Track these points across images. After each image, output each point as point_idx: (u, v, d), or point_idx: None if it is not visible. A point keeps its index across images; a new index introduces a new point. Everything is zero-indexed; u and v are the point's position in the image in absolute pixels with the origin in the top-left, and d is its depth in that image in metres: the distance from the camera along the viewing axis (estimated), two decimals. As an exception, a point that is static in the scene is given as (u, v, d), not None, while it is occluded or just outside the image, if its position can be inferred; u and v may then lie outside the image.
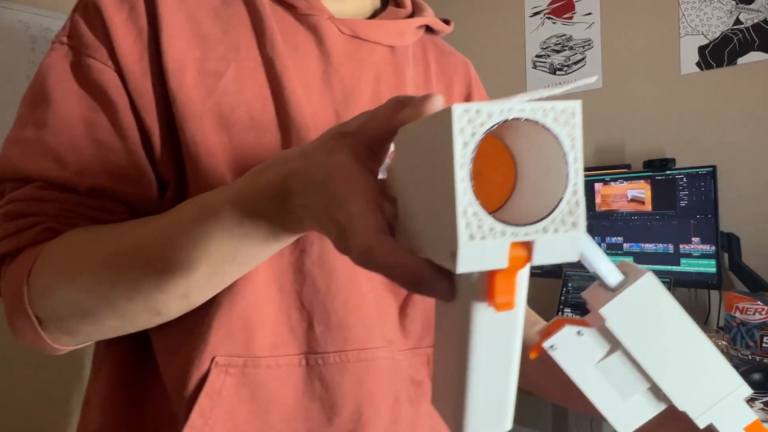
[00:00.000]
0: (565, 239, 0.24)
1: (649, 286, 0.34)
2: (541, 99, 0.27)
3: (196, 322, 0.47)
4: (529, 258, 0.24)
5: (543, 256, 0.24)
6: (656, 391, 0.36)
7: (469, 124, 0.23)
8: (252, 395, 0.47)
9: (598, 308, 0.34)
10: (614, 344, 0.35)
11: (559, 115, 0.24)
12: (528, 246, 0.24)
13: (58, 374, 1.52)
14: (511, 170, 0.27)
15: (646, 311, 0.34)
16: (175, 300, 0.41)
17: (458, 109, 0.22)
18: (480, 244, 0.23)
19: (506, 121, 0.23)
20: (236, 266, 0.40)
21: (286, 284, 0.48)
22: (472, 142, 0.23)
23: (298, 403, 0.48)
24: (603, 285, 0.36)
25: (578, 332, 0.36)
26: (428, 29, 0.65)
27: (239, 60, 0.49)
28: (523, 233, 0.23)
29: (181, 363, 0.47)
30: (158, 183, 0.48)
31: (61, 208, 0.45)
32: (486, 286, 0.25)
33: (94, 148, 0.45)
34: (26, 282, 0.43)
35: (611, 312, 0.34)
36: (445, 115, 0.23)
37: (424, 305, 0.56)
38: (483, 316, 0.27)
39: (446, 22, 0.66)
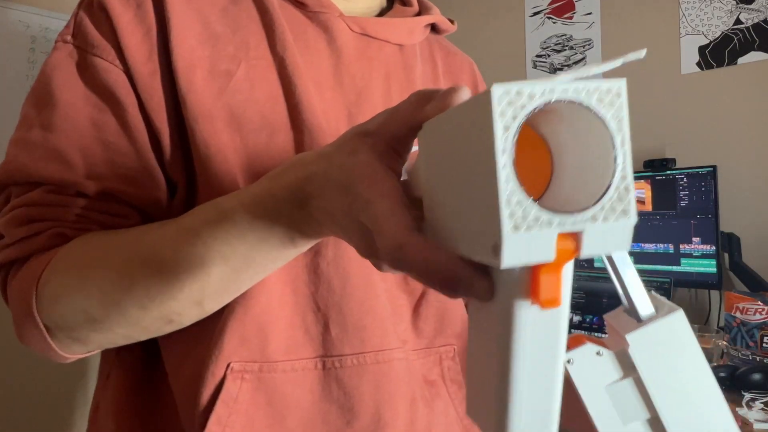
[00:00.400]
0: (615, 228, 0.23)
1: (679, 323, 0.33)
2: (586, 77, 0.25)
3: (207, 327, 0.46)
4: (577, 250, 0.23)
5: (592, 247, 0.23)
6: (656, 424, 0.35)
7: (510, 106, 0.21)
8: (268, 401, 0.46)
9: (623, 333, 0.34)
10: (629, 370, 0.35)
11: (604, 96, 0.22)
12: (576, 237, 0.22)
13: (60, 378, 1.52)
14: (547, 159, 0.25)
15: (670, 347, 0.34)
16: (189, 308, 0.41)
17: (498, 90, 0.21)
18: (525, 235, 0.21)
19: (549, 103, 0.22)
20: (251, 272, 0.39)
21: (301, 286, 0.47)
22: (514, 126, 0.21)
23: (316, 407, 0.47)
24: (630, 312, 0.35)
25: (598, 352, 0.35)
26: (432, 28, 0.65)
27: (249, 59, 0.48)
28: (570, 222, 0.22)
29: (192, 370, 0.46)
30: (168, 185, 0.47)
31: (71, 213, 0.44)
32: (529, 282, 0.24)
33: (102, 150, 0.44)
34: (35, 289, 0.42)
35: (637, 340, 0.34)
36: (484, 98, 0.21)
37: (436, 304, 0.56)
38: (526, 315, 0.25)
39: (451, 21, 0.66)
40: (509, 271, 0.24)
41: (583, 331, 1.70)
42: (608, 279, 0.39)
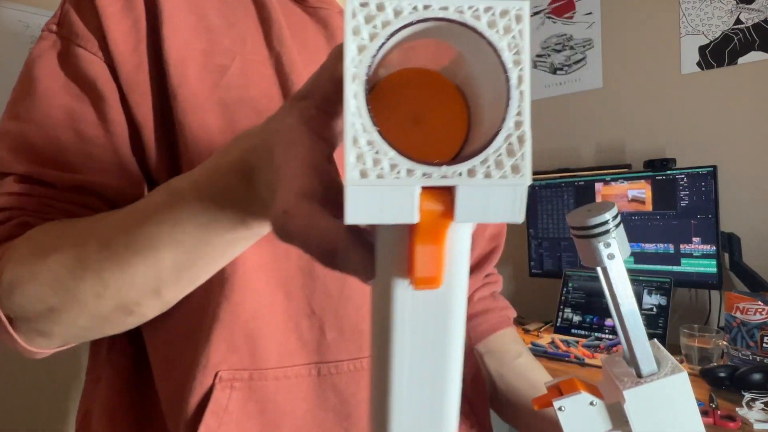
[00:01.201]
0: (500, 190, 0.18)
1: (681, 386, 0.32)
2: None
3: (191, 330, 0.44)
4: (449, 213, 0.18)
5: (469, 212, 0.18)
6: None
7: (368, 23, 0.17)
8: (261, 409, 0.44)
9: (621, 387, 0.33)
10: (622, 424, 0.35)
11: (497, 19, 0.18)
12: (450, 197, 0.18)
13: (54, 379, 1.52)
14: (464, 117, 0.20)
15: (667, 408, 0.33)
16: (147, 297, 0.38)
17: (354, 2, 0.17)
18: (376, 185, 0.17)
19: (424, 22, 0.17)
20: (208, 258, 0.36)
21: (295, 290, 0.46)
22: (371, 47, 0.17)
23: (311, 415, 0.46)
24: (630, 363, 0.35)
25: (591, 402, 0.35)
26: None
27: (245, 53, 0.47)
28: (438, 175, 0.18)
29: (178, 377, 0.44)
30: (149, 180, 0.46)
31: (39, 203, 0.43)
32: (405, 256, 0.19)
33: (76, 141, 0.43)
34: None
35: (634, 397, 0.33)
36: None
37: None
38: (403, 297, 0.21)
39: None
40: (387, 242, 0.20)
41: (583, 331, 1.70)
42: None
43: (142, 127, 0.44)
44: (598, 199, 1.78)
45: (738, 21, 1.64)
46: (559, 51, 2.05)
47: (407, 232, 0.19)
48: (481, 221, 0.18)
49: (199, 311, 0.45)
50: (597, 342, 1.59)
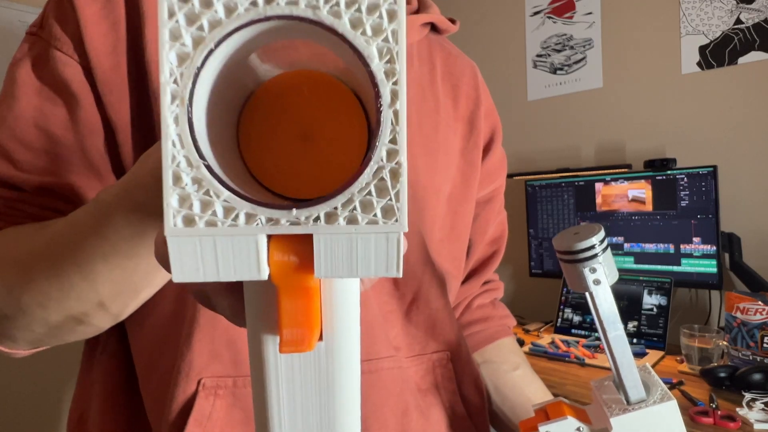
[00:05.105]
0: (370, 239, 0.14)
1: (669, 414, 0.32)
2: None
3: (169, 336, 0.44)
4: (308, 266, 0.14)
5: (331, 265, 0.14)
6: None
7: (191, 24, 0.13)
8: (246, 417, 0.44)
9: (609, 413, 0.33)
10: None
11: (364, 16, 0.14)
12: (308, 245, 0.14)
13: (53, 382, 1.52)
14: (364, 129, 0.16)
15: None
16: (92, 309, 0.37)
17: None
18: (207, 235, 0.14)
19: (266, 21, 0.13)
20: (142, 272, 0.35)
21: None
22: (197, 56, 0.13)
23: None
24: (619, 388, 0.34)
25: (578, 428, 0.35)
26: (433, 28, 0.63)
27: None
28: (288, 221, 0.14)
29: (159, 382, 0.44)
30: None
31: (6, 206, 0.43)
32: (273, 311, 0.16)
33: (45, 143, 0.43)
34: None
35: (622, 426, 0.32)
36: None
37: (427, 310, 0.55)
38: (276, 355, 0.17)
39: (452, 21, 0.64)
40: (250, 293, 0.17)
41: (583, 331, 1.70)
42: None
43: (118, 128, 0.44)
44: (598, 199, 1.78)
45: (738, 21, 1.64)
46: (559, 51, 2.05)
47: (271, 284, 0.15)
48: (348, 276, 0.14)
49: (176, 317, 0.44)
50: (597, 342, 1.59)
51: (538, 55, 2.11)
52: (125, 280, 0.35)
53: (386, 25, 0.14)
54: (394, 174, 0.14)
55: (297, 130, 0.15)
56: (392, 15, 0.14)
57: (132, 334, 0.47)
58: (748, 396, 1.15)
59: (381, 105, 0.14)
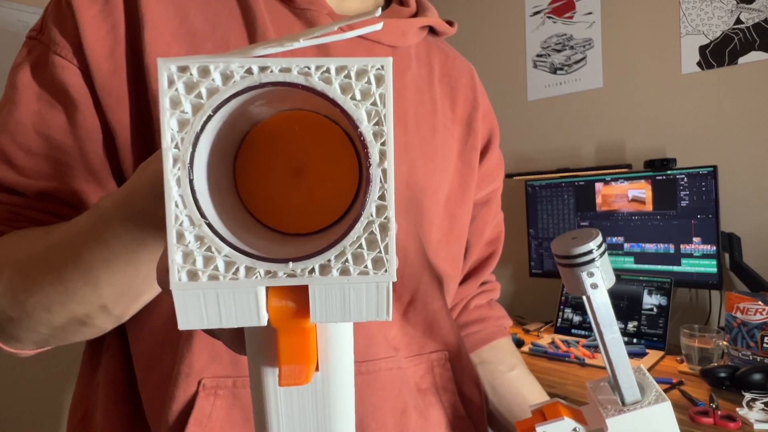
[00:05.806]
0: (361, 288, 0.15)
1: (663, 416, 0.32)
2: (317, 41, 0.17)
3: (168, 337, 0.44)
4: (304, 311, 0.16)
5: (326, 311, 0.16)
6: None
7: (189, 92, 0.14)
8: (245, 417, 0.44)
9: (604, 414, 0.33)
10: None
11: (353, 82, 0.15)
12: (304, 293, 0.16)
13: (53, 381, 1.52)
14: (355, 166, 0.17)
15: None
16: (95, 312, 0.38)
17: (169, 66, 0.14)
18: (210, 288, 0.15)
19: (261, 88, 0.14)
20: (143, 277, 0.35)
21: None
22: (196, 122, 0.14)
23: None
24: (615, 389, 0.35)
25: (574, 429, 0.35)
26: (431, 30, 0.63)
27: None
28: (285, 274, 0.15)
29: (159, 383, 0.44)
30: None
31: (8, 211, 0.43)
32: (272, 346, 0.18)
33: (45, 148, 0.43)
34: None
35: (617, 426, 0.33)
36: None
37: (424, 311, 0.55)
38: (275, 387, 0.18)
39: (450, 23, 0.64)
40: (250, 330, 0.18)
41: (583, 331, 1.70)
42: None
43: (118, 132, 0.44)
44: (598, 199, 1.78)
45: (738, 21, 1.64)
46: (559, 51, 2.05)
47: (270, 325, 0.16)
48: (341, 321, 0.16)
49: (176, 318, 0.45)
50: (597, 342, 1.58)
51: (538, 55, 2.11)
52: (127, 284, 0.36)
53: (374, 90, 0.15)
54: (383, 228, 0.15)
55: (289, 167, 0.16)
56: (380, 79, 0.15)
57: (132, 336, 0.47)
58: (748, 396, 1.15)
59: (370, 164, 0.15)
